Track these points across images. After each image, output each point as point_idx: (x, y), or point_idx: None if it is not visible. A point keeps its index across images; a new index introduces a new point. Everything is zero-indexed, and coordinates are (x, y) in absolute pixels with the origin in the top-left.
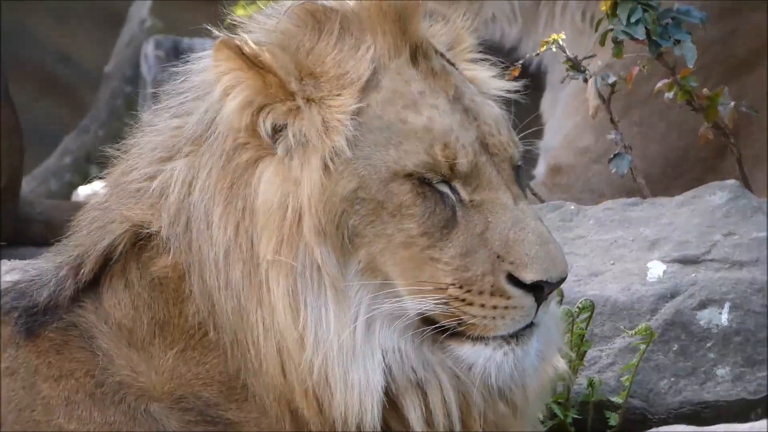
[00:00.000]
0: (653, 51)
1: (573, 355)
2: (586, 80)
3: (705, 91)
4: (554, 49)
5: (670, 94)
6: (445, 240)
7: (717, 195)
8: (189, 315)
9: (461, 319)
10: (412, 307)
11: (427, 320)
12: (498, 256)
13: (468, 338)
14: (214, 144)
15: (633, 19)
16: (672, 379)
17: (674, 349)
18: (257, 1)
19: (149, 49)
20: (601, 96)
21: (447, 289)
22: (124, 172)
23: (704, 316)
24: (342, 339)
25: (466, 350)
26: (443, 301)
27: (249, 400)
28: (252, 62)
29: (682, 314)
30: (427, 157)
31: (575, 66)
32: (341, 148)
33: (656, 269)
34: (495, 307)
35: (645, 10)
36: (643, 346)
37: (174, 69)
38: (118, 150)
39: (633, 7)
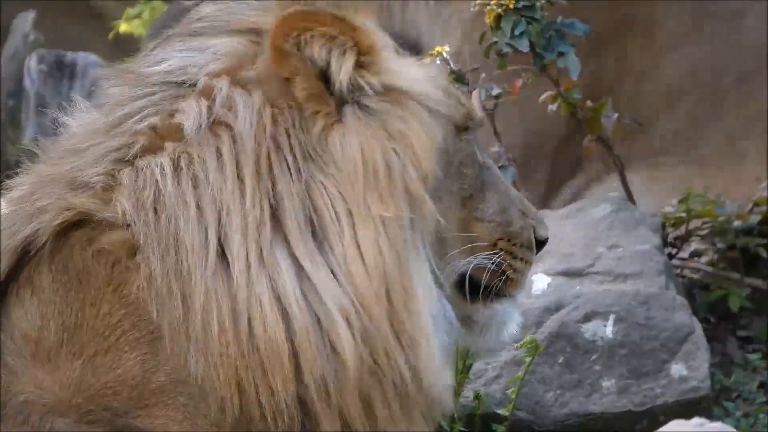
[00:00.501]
0: (537, 63)
1: (459, 367)
2: (470, 92)
3: (588, 103)
4: (438, 62)
5: (553, 107)
6: (482, 201)
7: (600, 208)
8: (111, 312)
9: (506, 275)
10: (463, 266)
11: (463, 284)
12: (523, 213)
13: (497, 297)
14: (245, 131)
15: (517, 32)
16: (558, 391)
17: (560, 361)
18: (141, 16)
19: (32, 63)
20: (485, 108)
21: (496, 244)
22: (70, 169)
23: (589, 329)
24: (433, 295)
25: (497, 308)
26: (496, 256)
27: (159, 404)
28: (351, 25)
29: (567, 327)
30: (464, 109)
31: (459, 78)
32: (438, 98)
33: (541, 282)
34: (526, 262)
35: (529, 23)
36: (528, 359)
37: (124, 67)
38: (43, 152)
39: (517, 19)
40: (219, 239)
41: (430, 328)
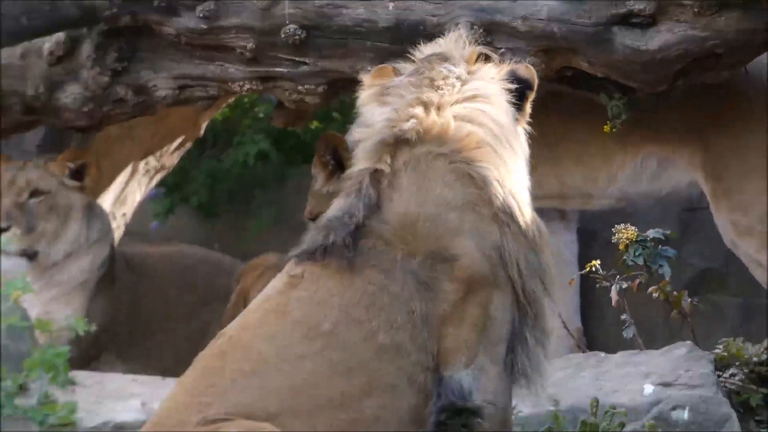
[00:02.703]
0: (648, 271)
1: None
2: (610, 287)
3: (674, 293)
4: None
5: (656, 294)
6: None
7: (680, 350)
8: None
9: None
10: None
11: None
12: None
13: None
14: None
15: (636, 254)
16: None
17: None
18: None
19: None
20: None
21: None
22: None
23: (674, 414)
24: None
25: None
26: None
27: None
28: None
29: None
30: None
31: (604, 279)
32: None
33: (647, 389)
34: None
35: (644, 248)
36: None
37: None
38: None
39: (637, 247)
40: None
41: None
